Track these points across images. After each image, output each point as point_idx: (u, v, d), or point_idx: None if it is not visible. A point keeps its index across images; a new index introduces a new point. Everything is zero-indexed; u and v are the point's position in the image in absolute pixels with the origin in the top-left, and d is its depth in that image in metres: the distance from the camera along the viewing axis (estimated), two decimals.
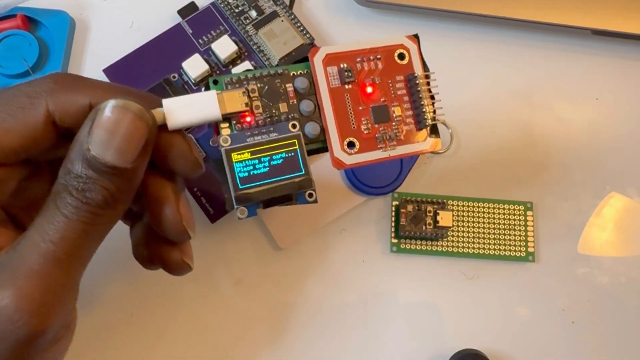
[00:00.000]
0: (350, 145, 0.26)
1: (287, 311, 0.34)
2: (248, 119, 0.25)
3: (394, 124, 0.27)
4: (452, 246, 0.35)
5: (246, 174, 0.25)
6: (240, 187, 0.25)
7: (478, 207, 0.36)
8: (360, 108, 0.26)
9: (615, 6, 0.39)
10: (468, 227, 0.36)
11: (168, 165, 0.25)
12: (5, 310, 0.21)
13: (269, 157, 0.25)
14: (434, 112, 0.27)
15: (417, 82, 0.27)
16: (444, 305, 0.35)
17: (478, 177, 0.37)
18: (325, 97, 0.26)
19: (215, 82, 0.25)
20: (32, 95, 0.23)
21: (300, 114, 0.26)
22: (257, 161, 0.25)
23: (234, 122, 0.25)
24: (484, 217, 0.36)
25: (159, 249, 0.27)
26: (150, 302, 0.34)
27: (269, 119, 0.26)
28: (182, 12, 0.38)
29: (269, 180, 0.25)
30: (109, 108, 0.22)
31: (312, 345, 0.34)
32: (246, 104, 0.25)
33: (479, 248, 0.35)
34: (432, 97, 0.27)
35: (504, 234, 0.36)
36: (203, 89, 0.26)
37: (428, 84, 0.27)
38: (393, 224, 0.36)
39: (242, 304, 0.34)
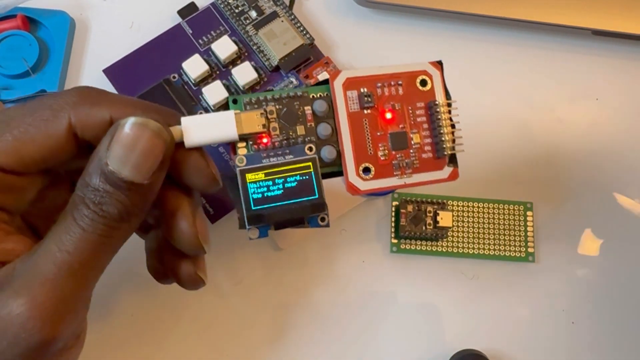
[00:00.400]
0: (366, 171, 0.26)
1: (287, 311, 0.34)
2: (265, 140, 0.25)
3: (411, 151, 0.26)
4: (452, 246, 0.35)
5: (260, 195, 0.25)
6: (253, 207, 0.25)
7: (478, 207, 0.36)
8: (378, 134, 0.26)
9: (615, 6, 0.39)
10: (468, 227, 0.36)
11: (185, 180, 0.25)
12: (19, 318, 0.21)
13: (283, 179, 0.25)
14: (454, 141, 0.26)
15: (438, 109, 0.26)
16: (444, 305, 0.35)
17: (478, 177, 0.37)
18: (344, 121, 0.26)
19: (235, 102, 0.26)
20: (55, 108, 0.24)
21: (317, 137, 0.26)
22: (271, 182, 0.25)
23: (251, 142, 0.25)
24: (484, 217, 0.36)
25: (173, 263, 0.27)
26: (150, 302, 0.34)
27: (285, 141, 0.26)
28: (182, 12, 0.38)
29: (282, 203, 0.25)
30: (128, 125, 0.23)
31: (312, 346, 0.34)
32: (263, 125, 0.25)
33: (478, 248, 0.35)
34: (453, 126, 0.27)
35: (504, 234, 0.36)
36: (228, 108, 0.26)
37: (449, 112, 0.27)
38: (393, 224, 0.36)
39: (242, 304, 0.34)
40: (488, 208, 0.36)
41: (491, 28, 0.40)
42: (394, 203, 0.36)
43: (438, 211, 0.34)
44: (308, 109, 0.26)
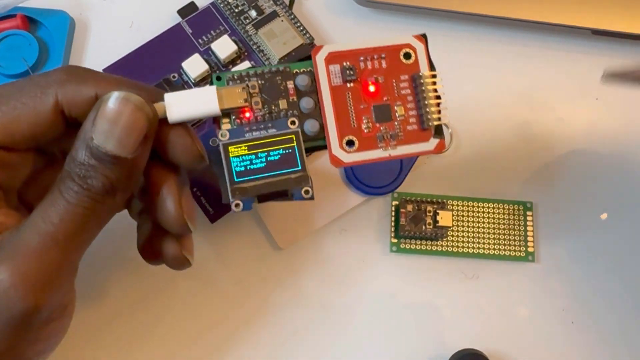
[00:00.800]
0: (350, 143, 0.26)
1: (287, 311, 0.34)
2: (247, 114, 0.26)
3: (396, 123, 0.26)
4: (452, 246, 0.35)
5: (243, 169, 0.25)
6: (236, 180, 0.25)
7: (478, 207, 0.36)
8: (362, 107, 0.26)
9: (615, 6, 0.39)
10: (468, 227, 0.36)
11: (171, 157, 0.25)
12: (1, 285, 0.22)
13: (266, 153, 0.25)
14: (439, 112, 0.26)
15: (423, 81, 0.26)
16: (444, 305, 0.35)
17: (478, 177, 0.37)
18: (326, 95, 0.26)
19: (219, 79, 0.26)
20: (43, 85, 0.24)
21: (300, 111, 0.26)
22: (254, 156, 0.25)
23: (234, 117, 0.25)
24: (483, 217, 0.36)
25: (160, 242, 0.27)
26: (150, 301, 0.34)
27: (268, 115, 0.26)
28: (182, 12, 0.38)
29: (265, 175, 0.25)
30: (112, 100, 0.23)
31: (312, 345, 0.34)
32: (245, 100, 0.25)
33: (478, 248, 0.35)
34: (438, 97, 0.26)
35: (504, 234, 0.36)
36: (208, 85, 0.26)
37: (434, 84, 0.26)
38: (393, 224, 0.36)
39: (241, 304, 0.34)
40: (488, 208, 0.36)
41: (491, 28, 0.40)
42: (394, 202, 0.36)
43: (438, 211, 0.34)
44: (290, 84, 0.26)
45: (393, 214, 0.36)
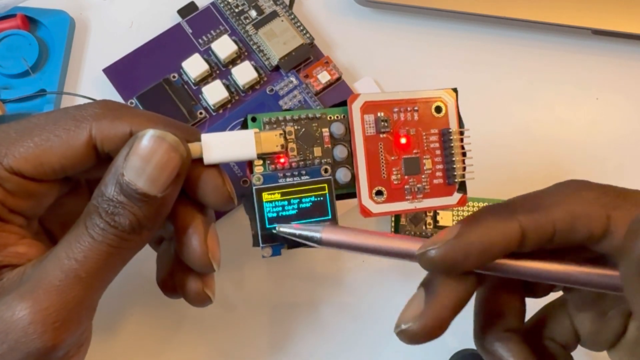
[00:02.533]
0: (379, 194, 0.27)
1: (287, 312, 0.34)
2: (282, 160, 0.26)
3: (423, 176, 0.27)
4: None
5: (275, 214, 0.25)
6: (267, 226, 0.25)
7: (478, 207, 0.36)
8: (392, 158, 0.27)
9: (615, 6, 0.39)
10: None
11: (200, 197, 0.25)
12: (21, 322, 0.21)
13: (298, 200, 0.26)
14: (464, 169, 0.27)
15: (451, 137, 0.27)
16: None
17: (478, 177, 0.37)
18: (360, 145, 0.27)
19: (254, 120, 0.26)
20: (78, 119, 0.24)
21: (333, 159, 0.27)
22: (286, 202, 0.25)
23: (268, 162, 0.26)
24: None
25: (182, 278, 0.27)
26: (149, 303, 0.34)
27: (302, 162, 0.26)
28: (182, 12, 0.38)
29: (296, 222, 0.25)
30: (146, 137, 0.23)
31: (312, 346, 0.34)
32: (282, 146, 0.26)
33: None
34: (464, 154, 0.27)
35: None
36: (240, 126, 0.26)
37: (462, 140, 0.27)
38: (393, 224, 0.36)
39: (242, 304, 0.34)
40: None
41: (491, 28, 0.40)
42: None
43: (438, 211, 0.34)
44: (325, 131, 0.27)
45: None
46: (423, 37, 0.40)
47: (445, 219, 0.34)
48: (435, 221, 0.34)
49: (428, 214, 0.34)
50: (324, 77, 0.37)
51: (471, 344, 0.34)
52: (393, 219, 0.36)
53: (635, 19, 0.39)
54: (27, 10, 0.37)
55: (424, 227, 0.34)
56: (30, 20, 0.38)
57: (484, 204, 0.36)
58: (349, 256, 0.35)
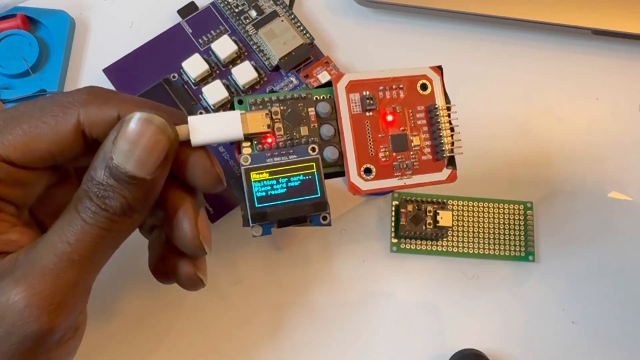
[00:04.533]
0: (367, 171, 0.27)
1: (287, 311, 0.34)
2: (269, 140, 0.26)
3: (411, 153, 0.27)
4: (452, 246, 0.35)
5: (263, 194, 0.25)
6: (257, 205, 0.25)
7: (478, 207, 0.36)
8: (380, 136, 0.27)
9: (615, 6, 0.39)
10: (468, 227, 0.36)
11: (189, 179, 0.26)
12: (17, 305, 0.22)
13: (286, 179, 0.26)
14: (453, 144, 0.27)
15: (438, 113, 0.27)
16: (444, 305, 0.35)
17: (478, 177, 0.37)
18: (346, 123, 0.27)
19: (240, 102, 0.26)
20: (65, 105, 0.24)
21: (320, 138, 0.27)
22: (274, 182, 0.26)
23: (255, 142, 0.26)
24: (484, 217, 0.36)
25: (174, 262, 0.27)
26: (149, 301, 0.34)
27: (289, 141, 0.26)
28: (182, 11, 0.38)
29: (285, 201, 0.26)
30: (134, 120, 0.23)
31: (312, 346, 0.34)
32: (268, 126, 0.26)
33: (479, 248, 0.35)
34: (452, 129, 0.27)
35: (504, 234, 0.36)
36: (228, 107, 0.26)
37: (449, 115, 0.27)
38: (393, 224, 0.36)
39: (241, 304, 0.34)
40: (488, 208, 0.36)
41: (491, 27, 0.40)
42: (394, 202, 0.36)
43: (438, 211, 0.34)
44: (312, 111, 0.27)
45: (393, 214, 0.36)
46: (423, 37, 0.40)
47: (445, 219, 0.34)
48: (436, 221, 0.34)
49: (428, 214, 0.34)
50: (324, 77, 0.37)
51: (471, 344, 0.34)
52: (393, 219, 0.36)
53: (635, 19, 0.39)
54: (27, 10, 0.37)
55: (424, 227, 0.34)
56: (30, 20, 0.38)
57: (484, 204, 0.36)
58: (346, 250, 0.35)
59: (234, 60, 0.37)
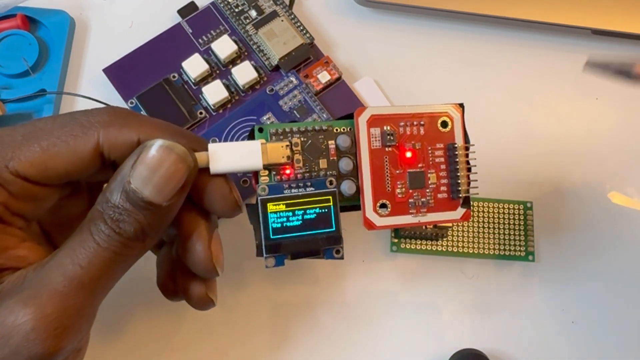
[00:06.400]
0: (383, 207, 0.27)
1: (287, 311, 0.34)
2: (288, 171, 0.26)
3: (427, 190, 0.27)
4: (452, 246, 0.35)
5: (279, 225, 0.25)
6: (271, 237, 0.25)
7: (478, 206, 0.36)
8: (397, 172, 0.27)
9: (615, 6, 0.39)
10: (468, 226, 0.36)
11: (207, 204, 0.25)
12: (24, 327, 0.21)
13: (303, 211, 0.26)
14: (469, 184, 0.27)
15: (457, 152, 0.27)
16: (444, 305, 0.35)
17: (478, 177, 0.37)
18: (365, 158, 0.27)
19: (261, 130, 0.26)
20: (85, 125, 0.24)
21: (338, 171, 0.27)
22: (291, 213, 0.25)
23: (274, 172, 0.26)
24: (483, 217, 0.36)
25: (184, 282, 0.27)
26: (150, 302, 0.34)
27: (307, 174, 0.26)
28: (182, 11, 0.38)
29: (300, 234, 0.25)
30: (155, 147, 0.23)
31: (312, 346, 0.34)
32: (288, 157, 0.26)
33: (478, 248, 0.35)
34: (469, 170, 0.27)
35: (504, 234, 0.36)
36: (247, 136, 0.26)
37: (467, 155, 0.27)
38: None
39: (241, 304, 0.34)
40: (488, 208, 0.36)
41: (491, 28, 0.40)
42: None
43: None
44: (332, 143, 0.27)
45: None
46: (423, 37, 0.40)
47: None
48: None
49: None
50: (324, 77, 0.37)
51: (471, 344, 0.34)
52: None
53: (635, 19, 0.39)
54: (27, 10, 0.37)
55: (424, 227, 0.34)
56: (30, 20, 0.38)
57: (484, 204, 0.36)
58: (346, 249, 0.35)
59: (234, 60, 0.37)
